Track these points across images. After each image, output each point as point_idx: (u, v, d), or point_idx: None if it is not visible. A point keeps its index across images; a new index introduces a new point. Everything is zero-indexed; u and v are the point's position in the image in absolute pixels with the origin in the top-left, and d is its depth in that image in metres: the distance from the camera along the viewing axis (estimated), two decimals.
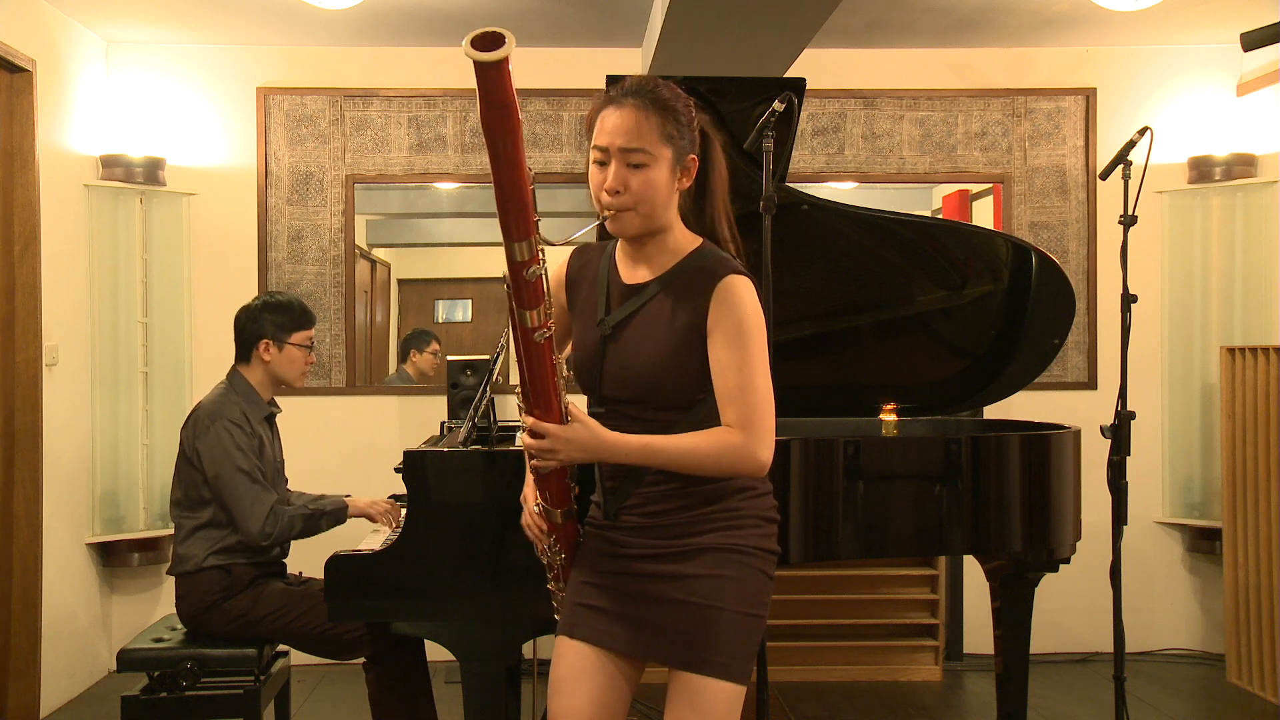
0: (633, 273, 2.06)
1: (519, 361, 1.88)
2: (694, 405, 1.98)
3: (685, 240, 2.04)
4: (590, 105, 2.02)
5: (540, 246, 1.80)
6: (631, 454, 1.94)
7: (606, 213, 1.96)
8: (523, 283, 1.81)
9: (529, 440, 1.91)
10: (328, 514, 3.28)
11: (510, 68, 1.66)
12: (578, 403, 1.96)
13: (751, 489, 2.03)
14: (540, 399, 1.89)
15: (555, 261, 1.89)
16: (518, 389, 1.93)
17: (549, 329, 1.85)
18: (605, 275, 2.09)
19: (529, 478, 2.11)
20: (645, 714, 4.00)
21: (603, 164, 1.96)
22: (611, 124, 1.95)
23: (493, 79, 1.65)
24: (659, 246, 2.02)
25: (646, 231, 2.00)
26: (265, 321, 3.34)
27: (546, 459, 1.91)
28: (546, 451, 1.90)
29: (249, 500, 3.15)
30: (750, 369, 1.93)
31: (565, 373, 1.95)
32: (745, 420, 1.92)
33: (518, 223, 1.77)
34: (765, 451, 1.93)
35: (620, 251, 2.08)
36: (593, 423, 1.92)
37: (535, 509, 2.06)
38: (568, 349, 2.16)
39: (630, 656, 2.01)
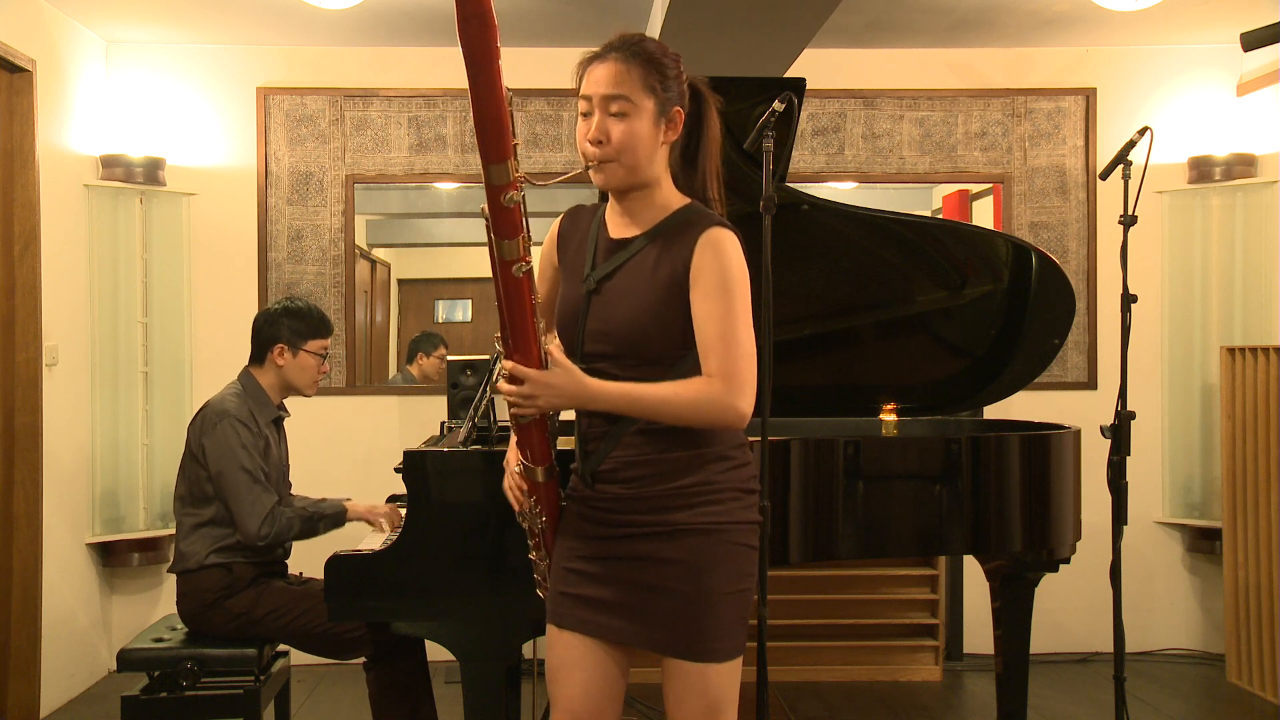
0: (620, 229, 2.05)
1: (498, 301, 1.86)
2: (675, 362, 1.96)
3: (673, 198, 2.04)
4: (577, 65, 2.02)
5: (519, 174, 1.78)
6: (612, 400, 1.92)
7: (590, 164, 1.96)
8: (499, 209, 1.78)
9: (508, 387, 1.88)
10: (326, 517, 3.29)
11: None
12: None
13: (730, 459, 2.00)
14: (519, 341, 1.87)
15: (540, 230, 1.86)
16: (497, 335, 1.91)
17: (527, 263, 1.83)
18: (594, 233, 2.08)
19: (512, 439, 2.09)
20: (644, 714, 4.00)
21: (588, 115, 1.97)
22: (595, 75, 1.96)
23: None
24: (646, 202, 2.02)
25: (631, 184, 1.99)
26: (283, 326, 3.33)
27: (526, 406, 1.89)
28: (526, 397, 1.87)
29: (249, 500, 3.16)
30: (733, 319, 1.92)
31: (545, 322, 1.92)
32: (726, 370, 1.90)
33: (495, 144, 1.75)
34: (745, 402, 1.92)
35: (610, 209, 2.08)
36: (573, 367, 1.90)
37: (517, 470, 2.04)
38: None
39: (620, 644, 2.01)
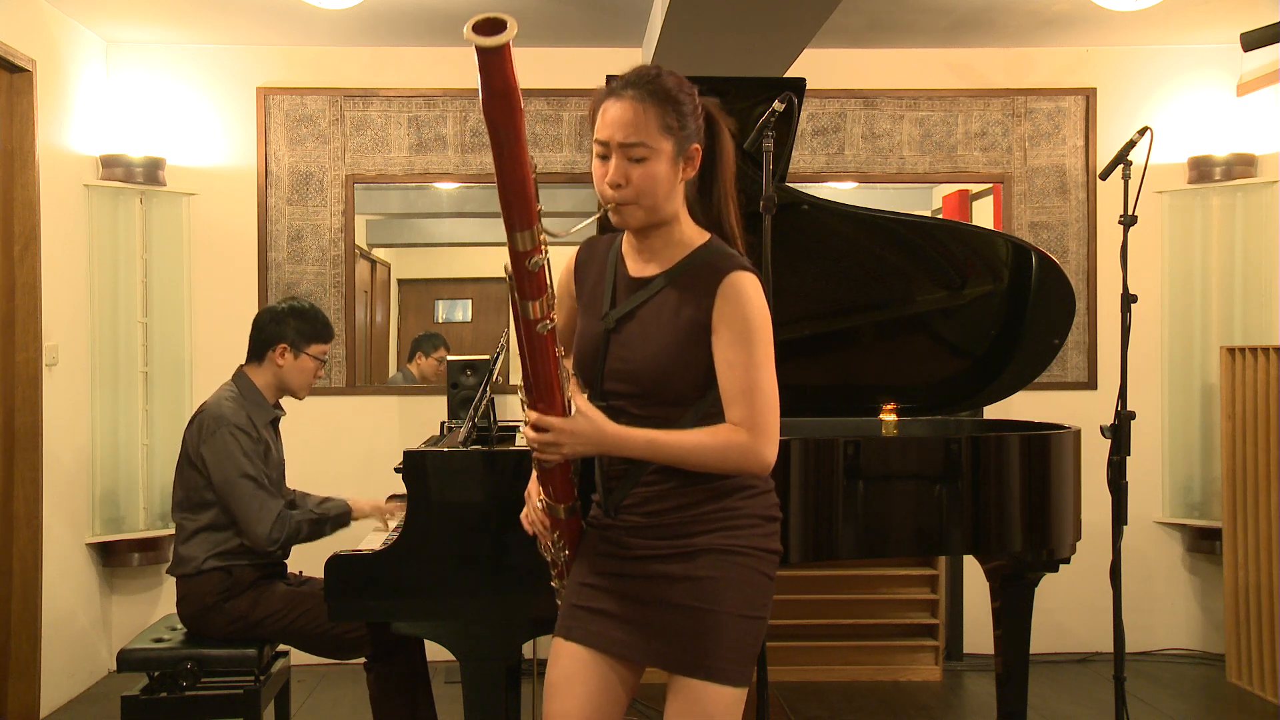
0: (640, 266, 2.04)
1: (521, 355, 1.87)
2: (694, 402, 1.97)
3: (693, 234, 2.02)
4: (591, 100, 2.01)
5: (543, 236, 1.79)
6: (636, 448, 1.93)
7: (609, 205, 1.95)
8: (525, 273, 1.79)
9: (532, 435, 1.89)
10: (332, 519, 3.28)
11: (512, 54, 1.64)
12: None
13: (751, 487, 2.01)
14: (543, 392, 1.87)
15: (557, 255, 1.87)
16: (520, 384, 1.91)
17: (551, 320, 1.84)
18: (612, 268, 2.07)
19: (534, 473, 2.10)
20: (645, 715, 4.00)
21: (604, 158, 1.95)
22: (611, 117, 1.94)
23: (494, 65, 1.63)
24: (665, 240, 2.01)
25: (650, 224, 1.98)
26: (289, 326, 3.31)
27: (550, 453, 1.89)
28: (550, 445, 1.88)
29: (256, 506, 3.14)
30: (756, 368, 1.92)
31: (569, 367, 1.93)
32: (751, 419, 1.91)
33: (520, 212, 1.75)
34: (770, 451, 1.93)
35: (627, 244, 2.07)
36: (597, 415, 1.91)
37: (539, 505, 2.04)
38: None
39: (627, 660, 2.00)
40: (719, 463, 1.93)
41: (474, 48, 1.61)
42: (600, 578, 2.02)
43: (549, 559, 2.10)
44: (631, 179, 1.93)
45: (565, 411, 1.89)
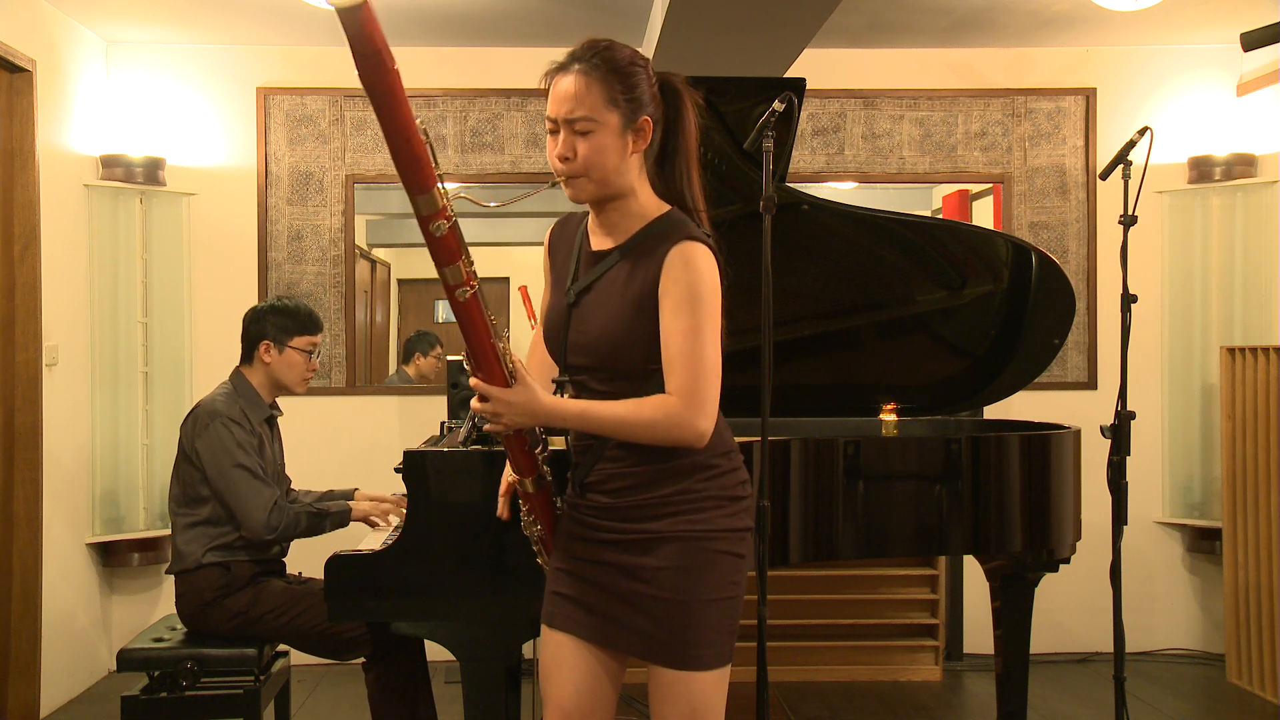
0: (600, 240, 2.05)
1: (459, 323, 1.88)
2: (650, 375, 1.96)
3: (651, 207, 2.02)
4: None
5: (446, 199, 1.78)
6: (569, 419, 1.94)
7: (560, 179, 1.97)
8: (430, 239, 1.79)
9: (476, 404, 1.91)
10: (331, 516, 3.28)
11: (375, 13, 1.62)
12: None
13: (713, 467, 1.99)
14: (480, 360, 1.88)
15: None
16: (464, 352, 1.92)
17: (471, 286, 1.83)
18: (578, 244, 2.08)
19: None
20: (643, 714, 4.00)
21: (554, 133, 1.98)
22: (558, 92, 1.97)
23: (355, 27, 1.62)
24: (623, 213, 2.01)
25: (603, 197, 1.99)
26: (269, 323, 3.33)
27: (493, 423, 1.92)
28: (492, 415, 1.90)
29: (251, 495, 3.15)
30: (698, 336, 1.90)
31: (505, 335, 1.92)
32: (686, 388, 1.89)
33: (413, 176, 1.74)
34: (704, 421, 1.90)
35: (590, 220, 2.08)
36: (534, 386, 1.91)
37: (511, 480, 2.08)
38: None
39: (605, 647, 2.02)
40: (649, 432, 1.91)
41: (335, 10, 1.59)
42: (574, 562, 2.03)
43: (527, 535, 2.13)
44: (579, 152, 1.94)
45: (506, 380, 1.89)
